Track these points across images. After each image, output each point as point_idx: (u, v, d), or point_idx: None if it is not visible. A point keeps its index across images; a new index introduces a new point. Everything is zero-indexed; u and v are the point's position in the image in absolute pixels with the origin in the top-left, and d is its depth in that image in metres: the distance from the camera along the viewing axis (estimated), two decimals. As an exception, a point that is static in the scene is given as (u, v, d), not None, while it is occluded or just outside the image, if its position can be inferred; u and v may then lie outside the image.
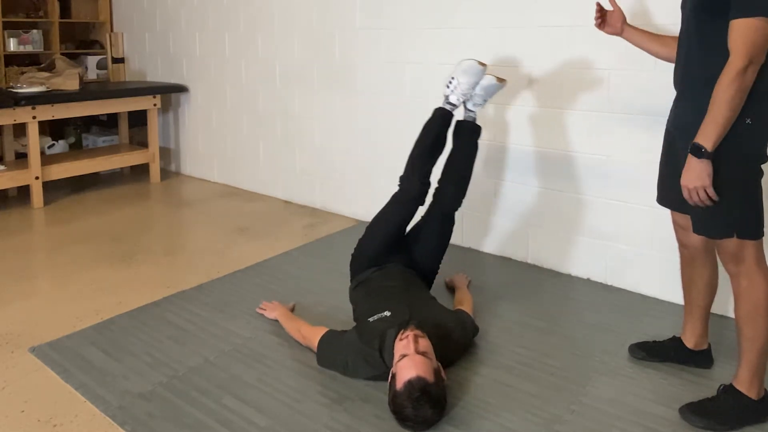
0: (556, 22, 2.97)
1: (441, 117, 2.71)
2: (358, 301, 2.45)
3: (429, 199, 2.68)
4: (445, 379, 1.94)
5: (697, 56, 1.83)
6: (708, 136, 1.71)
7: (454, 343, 2.19)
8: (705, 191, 1.75)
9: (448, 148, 2.76)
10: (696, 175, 1.74)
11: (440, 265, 2.70)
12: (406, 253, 2.64)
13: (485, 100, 2.80)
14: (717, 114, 1.69)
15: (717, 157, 1.76)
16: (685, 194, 1.79)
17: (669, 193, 2.04)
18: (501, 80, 2.77)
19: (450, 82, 2.73)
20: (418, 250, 2.64)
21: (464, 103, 2.78)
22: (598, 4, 2.25)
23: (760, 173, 1.81)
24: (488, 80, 2.74)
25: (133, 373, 2.16)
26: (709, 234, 1.85)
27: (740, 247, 1.80)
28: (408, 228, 2.69)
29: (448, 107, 2.73)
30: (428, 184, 2.63)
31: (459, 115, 2.79)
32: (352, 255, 2.65)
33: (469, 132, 2.77)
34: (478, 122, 2.81)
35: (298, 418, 1.92)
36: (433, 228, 2.66)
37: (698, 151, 1.73)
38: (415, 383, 1.81)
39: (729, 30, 1.69)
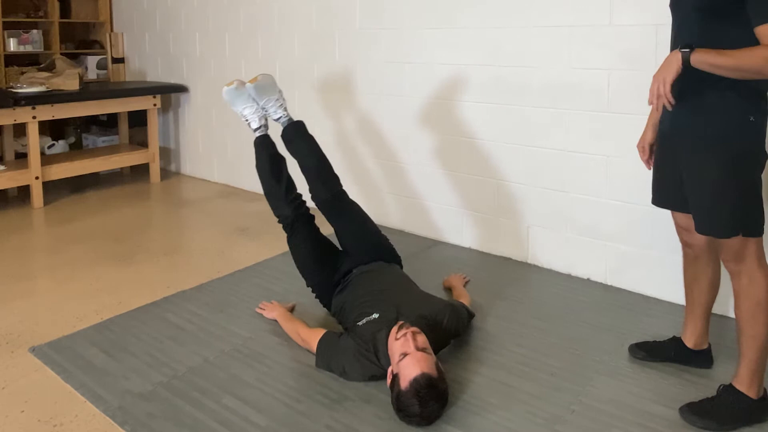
0: (556, 22, 2.97)
1: (261, 144, 2.79)
2: (343, 317, 2.39)
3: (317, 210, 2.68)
4: (444, 373, 1.95)
5: None
6: (705, 55, 1.70)
7: (445, 328, 2.19)
8: (663, 86, 1.75)
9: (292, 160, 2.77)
10: (665, 67, 1.75)
11: (384, 235, 2.68)
12: (351, 257, 2.57)
13: (277, 101, 2.84)
14: (731, 56, 1.67)
15: (722, 155, 1.77)
16: (653, 86, 1.79)
17: (668, 193, 2.04)
18: (254, 79, 2.82)
19: (243, 118, 2.86)
20: (353, 244, 2.61)
21: (268, 118, 2.85)
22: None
23: (762, 170, 1.82)
24: (249, 89, 2.80)
25: (133, 373, 2.16)
26: (715, 234, 1.85)
27: (743, 245, 1.81)
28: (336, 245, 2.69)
29: (258, 133, 2.81)
30: (298, 198, 2.64)
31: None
32: (314, 295, 2.59)
33: (294, 132, 2.79)
34: (295, 119, 2.85)
35: (298, 418, 1.92)
36: (342, 219, 2.64)
37: (687, 52, 1.72)
38: (421, 380, 1.82)
39: (759, 37, 1.66)
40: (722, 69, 1.69)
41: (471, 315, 2.37)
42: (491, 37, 3.22)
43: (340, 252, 2.64)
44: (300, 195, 2.66)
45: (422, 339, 1.96)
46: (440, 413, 1.89)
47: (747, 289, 1.82)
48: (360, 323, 2.20)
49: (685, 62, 1.73)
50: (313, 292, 2.57)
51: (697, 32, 1.81)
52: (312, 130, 4.16)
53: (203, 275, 3.04)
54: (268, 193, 2.69)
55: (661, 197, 2.09)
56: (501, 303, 2.73)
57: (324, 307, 2.57)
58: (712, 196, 1.82)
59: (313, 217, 2.64)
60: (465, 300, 2.57)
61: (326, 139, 4.09)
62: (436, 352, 2.02)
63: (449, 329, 2.22)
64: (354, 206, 2.68)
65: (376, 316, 2.19)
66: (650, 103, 1.81)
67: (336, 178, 2.70)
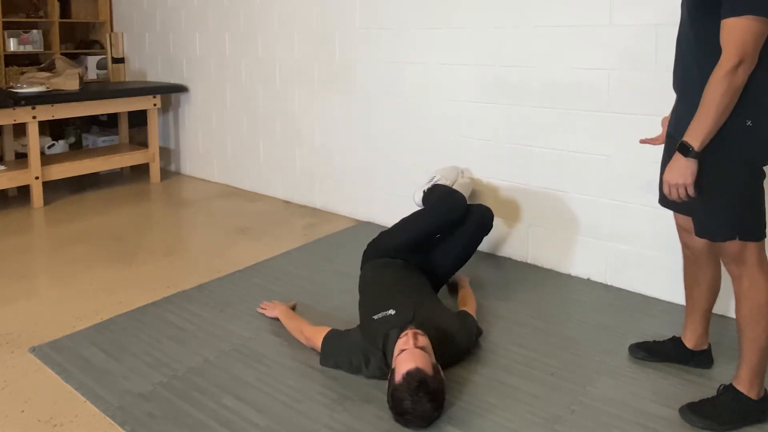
0: (556, 22, 2.97)
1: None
2: (365, 289, 2.46)
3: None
4: (443, 377, 1.94)
5: (693, 58, 1.83)
6: (696, 135, 1.72)
7: (456, 346, 2.19)
8: (685, 189, 1.77)
9: None
10: (680, 173, 1.76)
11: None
12: (425, 254, 2.65)
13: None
14: (705, 113, 1.70)
15: (718, 159, 1.76)
16: (665, 189, 1.82)
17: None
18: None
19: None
20: (441, 253, 2.66)
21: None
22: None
23: (762, 175, 1.81)
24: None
25: (133, 373, 2.16)
26: (712, 237, 1.85)
27: (742, 248, 1.80)
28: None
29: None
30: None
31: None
32: (369, 242, 2.70)
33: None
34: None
35: (298, 418, 1.92)
36: (463, 234, 2.67)
37: (686, 150, 1.74)
38: (414, 374, 1.82)
39: (720, 29, 1.68)
40: (716, 121, 1.69)
41: (479, 332, 2.36)
42: (491, 37, 3.22)
43: (422, 246, 2.70)
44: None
45: (423, 340, 1.96)
46: (434, 415, 1.87)
47: (748, 291, 1.82)
48: (375, 317, 2.20)
49: (694, 153, 1.73)
50: (374, 240, 2.72)
51: (691, 29, 1.81)
52: (311, 129, 4.18)
53: (203, 275, 3.04)
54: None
55: (664, 197, 2.09)
56: (501, 303, 2.73)
57: (363, 254, 2.71)
58: (709, 199, 1.82)
59: (465, 216, 2.68)
60: (471, 301, 2.57)
61: (325, 139, 4.10)
62: (444, 367, 2.01)
63: (460, 347, 2.22)
64: (478, 239, 2.72)
65: (392, 312, 2.19)
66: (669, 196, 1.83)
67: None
